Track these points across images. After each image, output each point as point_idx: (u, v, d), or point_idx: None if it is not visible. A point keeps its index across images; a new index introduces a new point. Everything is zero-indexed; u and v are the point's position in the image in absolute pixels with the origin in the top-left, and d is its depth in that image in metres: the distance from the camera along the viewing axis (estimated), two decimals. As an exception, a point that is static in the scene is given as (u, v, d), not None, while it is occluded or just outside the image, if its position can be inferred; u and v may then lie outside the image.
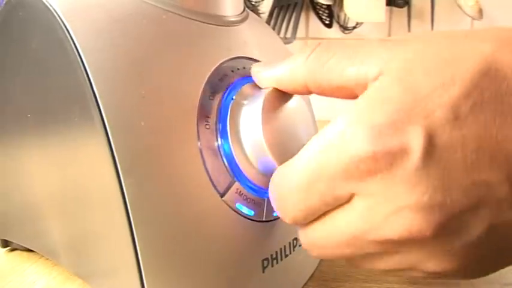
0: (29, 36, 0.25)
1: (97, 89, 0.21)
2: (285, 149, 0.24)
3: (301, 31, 0.88)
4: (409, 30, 0.85)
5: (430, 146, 0.17)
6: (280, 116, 0.24)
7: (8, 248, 0.35)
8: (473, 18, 0.83)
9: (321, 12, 0.85)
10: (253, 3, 0.85)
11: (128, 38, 0.22)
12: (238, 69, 0.25)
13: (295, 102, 0.25)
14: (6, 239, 0.34)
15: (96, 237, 0.24)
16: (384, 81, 0.19)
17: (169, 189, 0.22)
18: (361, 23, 0.85)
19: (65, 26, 0.22)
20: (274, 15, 0.84)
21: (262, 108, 0.23)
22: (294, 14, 0.83)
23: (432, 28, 0.83)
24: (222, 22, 0.26)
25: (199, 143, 0.23)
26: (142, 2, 0.24)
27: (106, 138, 0.21)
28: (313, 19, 0.87)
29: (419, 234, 0.18)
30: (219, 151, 0.24)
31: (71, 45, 0.22)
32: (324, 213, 0.20)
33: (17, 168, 0.29)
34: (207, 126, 0.23)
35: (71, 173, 0.25)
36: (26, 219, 0.30)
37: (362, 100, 0.19)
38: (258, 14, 0.87)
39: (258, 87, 0.25)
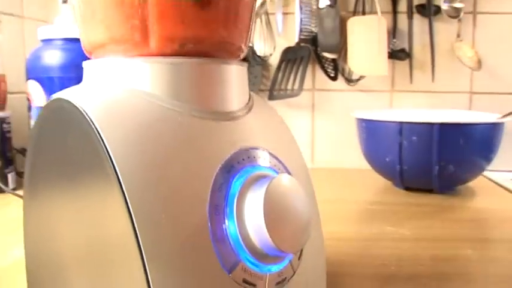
0: (65, 134, 0.30)
1: (124, 184, 0.25)
2: (284, 232, 0.27)
3: (308, 83, 0.93)
4: (411, 81, 0.89)
5: None
6: (280, 202, 0.28)
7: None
8: (472, 69, 0.87)
9: (326, 65, 0.90)
10: (262, 57, 0.90)
11: (150, 141, 0.27)
12: (243, 159, 0.30)
13: (295, 188, 0.29)
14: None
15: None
16: None
17: (183, 268, 0.26)
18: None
19: (98, 131, 0.27)
20: (282, 68, 0.89)
21: (264, 197, 0.27)
22: (301, 68, 0.88)
23: (433, 79, 0.87)
24: (229, 117, 0.31)
25: (209, 227, 0.27)
26: (161, 106, 0.28)
27: (132, 228, 0.25)
28: (320, 71, 0.92)
29: None
30: (227, 233, 0.28)
31: (102, 148, 0.26)
32: None
33: (47, 232, 0.33)
34: (217, 213, 0.27)
35: (95, 237, 0.29)
36: (56, 278, 0.34)
37: None
38: (267, 67, 0.92)
39: (262, 176, 0.29)
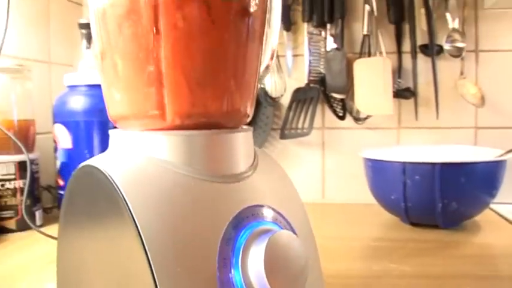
0: (94, 195, 0.34)
1: (145, 241, 0.30)
2: (282, 280, 0.32)
3: (318, 122, 0.97)
4: (416, 118, 0.93)
5: None
6: (279, 255, 0.32)
7: None
8: (475, 106, 0.91)
9: (335, 105, 0.94)
10: (274, 98, 0.95)
11: (167, 204, 0.31)
12: (249, 216, 0.34)
13: (293, 243, 0.33)
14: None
15: None
16: None
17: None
18: (372, 114, 0.93)
19: (123, 195, 0.31)
20: (293, 108, 0.94)
21: (265, 250, 0.31)
22: (311, 108, 0.93)
23: (437, 116, 0.91)
24: (236, 179, 0.35)
25: (217, 277, 0.31)
26: (176, 172, 0.33)
27: (152, 279, 0.29)
28: (329, 110, 0.96)
29: None
30: (233, 282, 0.32)
31: (126, 210, 0.31)
32: None
33: (77, 275, 0.38)
34: (225, 265, 0.32)
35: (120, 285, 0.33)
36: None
37: None
38: (279, 107, 0.97)
39: (265, 231, 0.33)
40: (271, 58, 0.41)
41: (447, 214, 0.71)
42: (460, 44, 0.91)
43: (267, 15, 0.40)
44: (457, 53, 0.91)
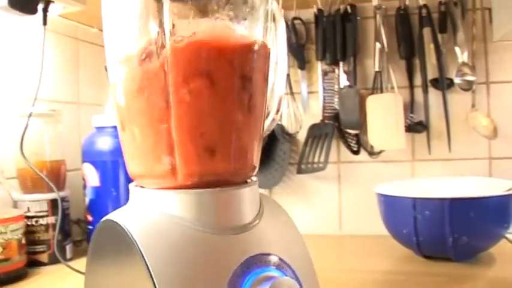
0: (115, 245, 0.38)
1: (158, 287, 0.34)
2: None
3: (333, 156, 1.00)
4: (429, 152, 0.95)
5: None
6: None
7: None
8: (488, 138, 0.92)
9: (349, 140, 0.97)
10: (290, 135, 0.99)
11: (179, 255, 0.35)
12: (252, 264, 0.37)
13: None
14: None
15: None
16: None
17: None
18: (386, 148, 0.96)
19: (139, 248, 0.35)
20: (309, 143, 0.97)
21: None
22: (326, 143, 0.96)
23: (449, 150, 0.93)
24: (243, 230, 0.39)
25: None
26: (187, 227, 0.36)
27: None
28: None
29: None
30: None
31: (142, 261, 0.35)
32: None
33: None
34: (231, 310, 0.35)
35: None
36: None
37: None
38: (295, 143, 1.01)
39: (268, 277, 0.36)
40: (277, 112, 0.45)
41: (458, 248, 0.72)
42: (470, 78, 0.93)
43: (273, 74, 0.44)
44: (467, 87, 0.93)
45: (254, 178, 0.42)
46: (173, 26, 0.34)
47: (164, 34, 0.35)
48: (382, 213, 0.80)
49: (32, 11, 0.76)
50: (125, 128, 0.39)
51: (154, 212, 0.37)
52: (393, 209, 0.78)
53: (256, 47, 0.39)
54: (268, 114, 0.44)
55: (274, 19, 0.43)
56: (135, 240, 0.35)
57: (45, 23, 0.80)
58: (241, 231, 0.38)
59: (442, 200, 0.71)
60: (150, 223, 0.36)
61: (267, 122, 0.44)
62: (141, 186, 0.40)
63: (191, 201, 0.36)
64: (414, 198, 0.73)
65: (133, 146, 0.39)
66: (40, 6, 0.78)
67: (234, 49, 0.37)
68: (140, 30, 0.38)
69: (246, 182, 0.41)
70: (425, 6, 0.95)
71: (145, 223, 0.36)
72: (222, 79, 0.36)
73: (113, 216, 0.38)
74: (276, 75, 0.43)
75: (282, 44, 0.44)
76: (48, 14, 0.80)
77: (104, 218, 0.39)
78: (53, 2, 0.79)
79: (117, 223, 0.37)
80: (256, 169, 0.42)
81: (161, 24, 0.35)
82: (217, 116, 0.36)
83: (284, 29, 0.44)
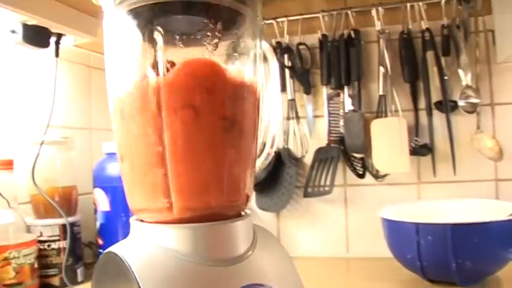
0: (116, 274, 0.40)
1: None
2: None
3: (340, 179, 1.01)
4: (434, 175, 0.95)
5: None
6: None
7: None
8: (493, 160, 0.92)
9: (355, 163, 0.98)
10: (297, 159, 1.00)
11: (173, 287, 0.37)
12: (246, 295, 0.39)
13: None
14: None
15: None
16: None
17: None
18: (391, 171, 0.96)
19: (136, 279, 0.37)
20: (315, 167, 0.98)
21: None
22: (332, 167, 0.97)
23: (454, 172, 0.93)
24: (237, 261, 0.40)
25: None
26: (182, 259, 0.38)
27: None
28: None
29: None
30: None
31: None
32: None
33: None
34: None
35: None
36: None
37: None
38: (302, 166, 1.02)
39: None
40: (272, 147, 0.47)
41: (463, 272, 0.72)
42: (474, 100, 0.93)
43: (266, 111, 0.46)
44: (472, 109, 0.93)
45: (248, 211, 0.44)
46: (167, 69, 0.36)
47: (157, 68, 0.37)
48: (387, 237, 0.81)
49: (45, 44, 0.80)
50: (124, 160, 0.41)
51: (152, 245, 0.39)
52: (397, 233, 0.78)
53: (244, 86, 0.40)
54: (263, 149, 0.46)
55: (266, 59, 0.45)
56: (133, 272, 0.37)
57: (57, 55, 0.83)
58: (235, 262, 0.40)
59: (444, 225, 0.71)
60: (148, 256, 0.38)
61: (262, 158, 0.46)
62: (141, 220, 0.41)
63: (187, 235, 0.38)
64: (417, 223, 0.73)
65: (132, 180, 0.40)
66: (52, 39, 0.81)
67: (221, 87, 0.38)
68: (135, 65, 0.40)
69: (240, 215, 0.42)
70: (428, 29, 0.96)
71: (143, 256, 0.38)
72: (209, 114, 0.38)
73: (114, 248, 0.40)
74: (269, 113, 0.45)
75: (275, 84, 0.45)
76: (59, 45, 0.83)
77: (106, 250, 0.41)
78: (65, 35, 0.82)
79: (117, 255, 0.39)
80: (250, 202, 0.44)
81: (155, 64, 0.37)
82: (208, 151, 0.38)
83: (277, 68, 0.46)
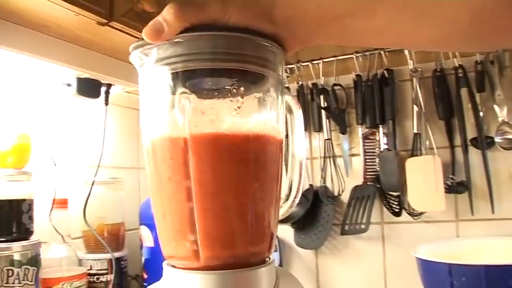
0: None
1: None
2: None
3: (377, 217, 1.02)
4: (472, 213, 0.95)
5: None
6: None
7: None
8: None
9: (391, 201, 0.99)
10: (334, 197, 1.02)
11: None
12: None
13: None
14: None
15: None
16: None
17: None
18: (428, 208, 0.97)
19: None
20: (352, 205, 1.00)
21: None
22: (368, 205, 0.99)
23: (493, 211, 0.92)
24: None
25: None
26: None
27: None
28: (387, 205, 1.02)
29: None
30: None
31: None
32: None
33: None
34: None
35: None
36: None
37: None
38: (339, 204, 1.04)
39: None
40: (294, 200, 0.50)
41: (499, 314, 0.72)
42: (511, 136, 0.93)
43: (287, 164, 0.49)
44: (509, 145, 0.93)
45: (271, 257, 0.47)
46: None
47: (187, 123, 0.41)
48: (421, 276, 0.82)
49: (97, 95, 0.87)
50: (156, 208, 0.46)
51: (182, 290, 0.43)
52: (431, 273, 0.79)
53: (268, 139, 0.44)
54: (287, 199, 0.49)
55: (290, 111, 0.48)
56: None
57: (107, 103, 0.90)
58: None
59: (477, 266, 0.71)
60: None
61: (285, 207, 0.49)
62: (172, 266, 0.45)
63: (212, 282, 0.42)
64: (450, 264, 0.74)
65: (163, 228, 0.45)
66: (103, 89, 0.89)
67: (245, 141, 0.42)
68: (166, 118, 0.45)
69: (264, 261, 0.45)
70: (461, 66, 0.97)
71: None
72: (235, 166, 0.41)
73: (148, 292, 0.44)
74: (293, 165, 0.48)
75: (300, 135, 0.48)
76: (109, 94, 0.91)
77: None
78: (114, 84, 0.90)
79: (150, 299, 0.43)
80: (273, 248, 0.47)
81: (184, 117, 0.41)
82: (234, 197, 0.42)
83: (301, 120, 0.49)
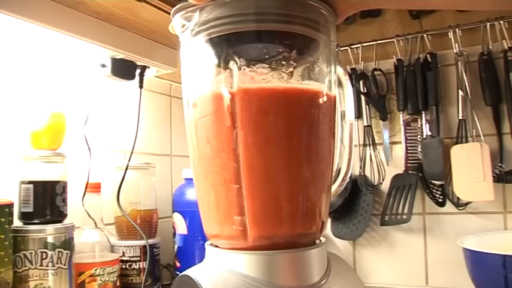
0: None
1: None
2: None
3: (418, 207, 0.98)
4: (522, 204, 0.89)
5: None
6: None
7: None
8: None
9: (434, 191, 0.94)
10: (374, 186, 0.98)
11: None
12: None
13: None
14: None
15: None
16: None
17: None
18: (474, 199, 0.92)
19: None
20: (392, 194, 0.96)
21: None
22: (410, 194, 0.94)
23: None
24: (309, 290, 0.40)
25: None
26: (255, 285, 0.39)
27: None
28: (429, 195, 0.97)
29: None
30: None
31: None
32: None
33: None
34: None
35: None
36: None
37: None
38: (379, 194, 1.00)
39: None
40: (347, 172, 0.46)
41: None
42: None
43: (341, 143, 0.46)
44: None
45: (323, 239, 0.43)
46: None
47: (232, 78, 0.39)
48: (469, 269, 0.77)
49: (131, 77, 0.85)
50: (199, 184, 0.43)
51: (225, 270, 0.40)
52: (481, 266, 0.74)
53: (320, 96, 0.41)
54: (337, 175, 0.46)
55: (341, 84, 0.45)
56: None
57: (141, 86, 0.88)
58: (309, 292, 0.40)
59: (534, 258, 0.67)
60: (221, 280, 0.39)
61: (337, 184, 0.46)
62: (216, 246, 0.43)
63: (261, 263, 0.39)
64: (504, 256, 0.69)
65: (207, 207, 0.42)
66: (137, 72, 0.87)
67: (297, 95, 0.39)
68: (210, 88, 0.42)
69: (315, 243, 0.42)
70: (510, 49, 0.92)
71: (216, 281, 0.39)
72: (285, 125, 0.38)
73: (189, 272, 0.42)
74: (344, 138, 0.45)
75: (350, 108, 0.45)
76: (144, 77, 0.89)
77: (181, 273, 0.43)
78: (149, 67, 0.88)
79: (191, 278, 0.40)
80: (325, 229, 0.44)
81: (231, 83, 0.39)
82: (285, 173, 0.39)
83: (351, 93, 0.46)
